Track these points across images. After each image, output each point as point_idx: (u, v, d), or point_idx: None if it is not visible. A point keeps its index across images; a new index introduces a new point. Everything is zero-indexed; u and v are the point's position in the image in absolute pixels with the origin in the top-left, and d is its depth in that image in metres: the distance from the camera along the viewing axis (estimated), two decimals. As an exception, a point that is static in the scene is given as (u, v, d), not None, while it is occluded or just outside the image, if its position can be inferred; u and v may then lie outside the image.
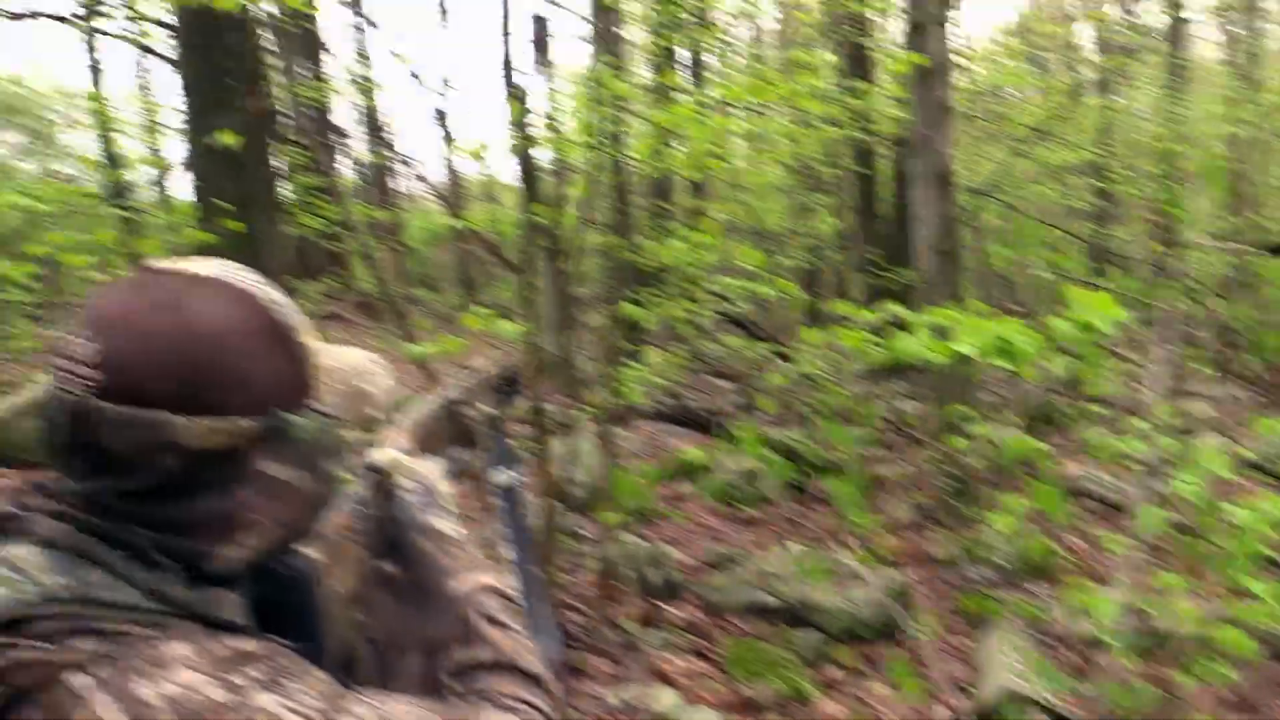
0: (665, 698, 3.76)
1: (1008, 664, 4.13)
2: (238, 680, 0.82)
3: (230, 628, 0.89)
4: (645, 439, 8.41)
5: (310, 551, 1.06)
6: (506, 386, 1.65)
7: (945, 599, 5.24)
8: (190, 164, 6.74)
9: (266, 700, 0.82)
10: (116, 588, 0.85)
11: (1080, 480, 6.84)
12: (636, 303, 5.56)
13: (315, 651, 0.96)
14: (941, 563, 5.67)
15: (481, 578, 1.11)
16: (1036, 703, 3.88)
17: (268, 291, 0.97)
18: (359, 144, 15.33)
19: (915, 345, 2.55)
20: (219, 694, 0.81)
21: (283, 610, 1.00)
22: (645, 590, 4.93)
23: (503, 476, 1.57)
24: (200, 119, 6.17)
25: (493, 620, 1.06)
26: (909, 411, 8.69)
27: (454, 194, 14.86)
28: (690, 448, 7.97)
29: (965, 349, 2.36)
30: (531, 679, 1.02)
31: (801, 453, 7.00)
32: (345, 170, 13.48)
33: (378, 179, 14.68)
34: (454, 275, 15.89)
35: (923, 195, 6.65)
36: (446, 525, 1.17)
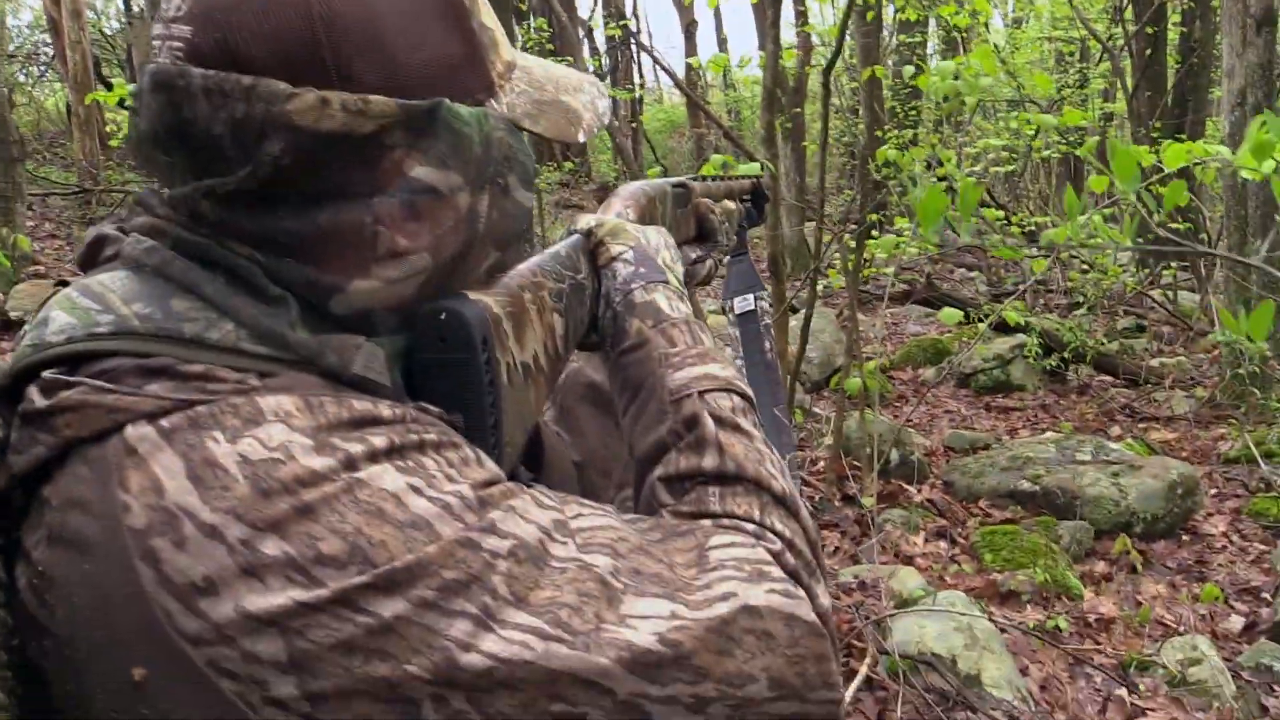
0: (908, 578, 3.42)
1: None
2: (349, 446, 0.57)
3: (363, 385, 0.63)
4: (889, 322, 7.95)
5: (487, 301, 0.74)
6: (753, 198, 1.36)
7: (1233, 499, 4.60)
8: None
9: (387, 475, 0.56)
10: (212, 322, 0.61)
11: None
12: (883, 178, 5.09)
13: (481, 434, 0.69)
14: (1229, 460, 4.99)
15: (714, 369, 0.79)
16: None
17: None
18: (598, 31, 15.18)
19: (1225, 152, 1.98)
20: (316, 461, 0.55)
21: (441, 377, 0.71)
22: (886, 470, 4.58)
23: (743, 301, 1.33)
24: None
25: (723, 421, 0.75)
26: (1186, 303, 7.78)
27: (691, 81, 14.52)
28: (934, 332, 7.47)
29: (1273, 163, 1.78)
30: (775, 497, 0.71)
31: (1063, 339, 6.35)
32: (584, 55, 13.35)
33: (615, 64, 14.48)
34: (689, 164, 15.65)
35: (1234, 41, 5.73)
36: (669, 303, 0.86)
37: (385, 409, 0.61)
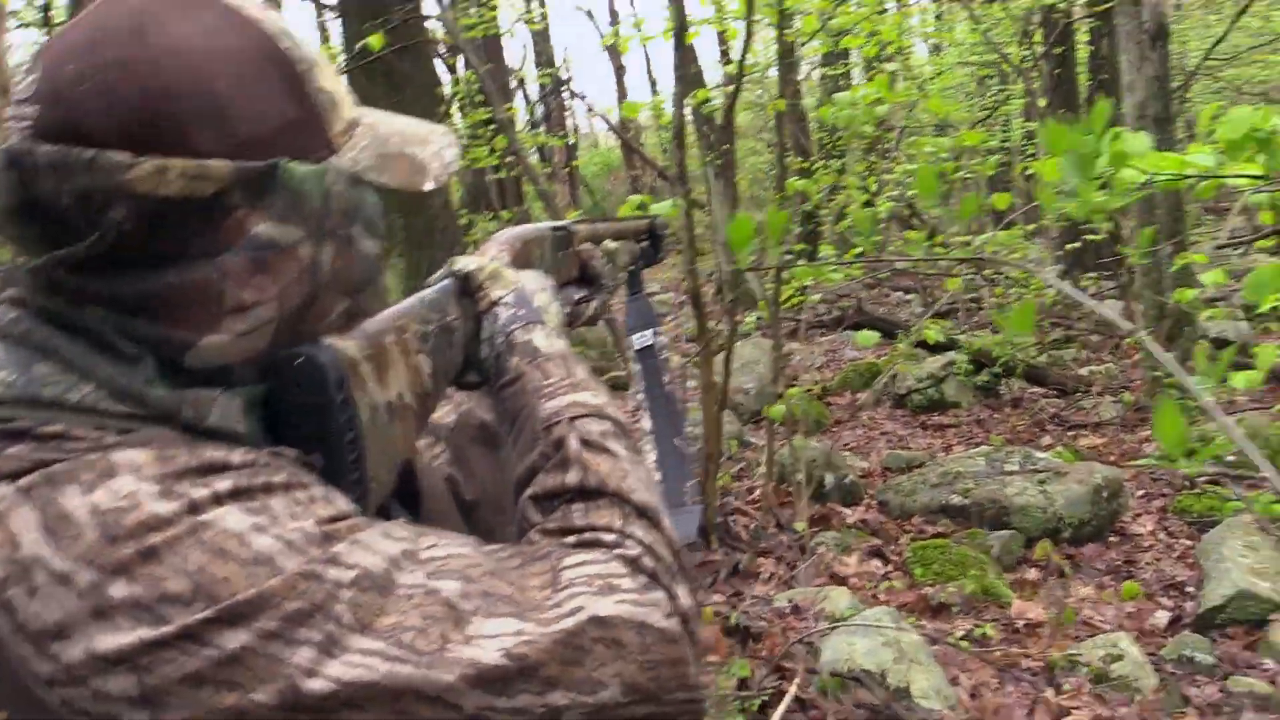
0: (839, 598, 3.46)
1: (1237, 564, 3.61)
2: (193, 492, 0.60)
3: (219, 435, 0.66)
4: (821, 348, 8.05)
5: (342, 346, 0.78)
6: (650, 238, 1.40)
7: (1159, 498, 4.70)
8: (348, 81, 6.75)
9: (231, 517, 0.60)
10: (72, 384, 0.64)
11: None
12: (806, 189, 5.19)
13: (341, 472, 0.72)
14: (1154, 460, 5.10)
15: (584, 397, 0.84)
16: (1274, 603, 3.38)
17: (279, 20, 0.73)
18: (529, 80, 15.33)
19: (1137, 156, 2.04)
20: (162, 506, 0.59)
21: (300, 419, 0.74)
22: (819, 494, 4.63)
23: (641, 338, 1.37)
24: (355, 40, 6.14)
25: (590, 443, 0.79)
26: (1111, 313, 7.97)
27: (624, 123, 14.68)
28: (871, 357, 7.57)
29: (1204, 157, 1.85)
30: (637, 509, 0.75)
31: (992, 354, 6.47)
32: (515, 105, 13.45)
33: (548, 111, 14.62)
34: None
35: (1132, 57, 5.93)
36: (546, 340, 0.90)
37: (237, 456, 0.64)
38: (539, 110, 14.23)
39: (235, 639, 0.57)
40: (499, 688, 0.61)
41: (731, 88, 8.23)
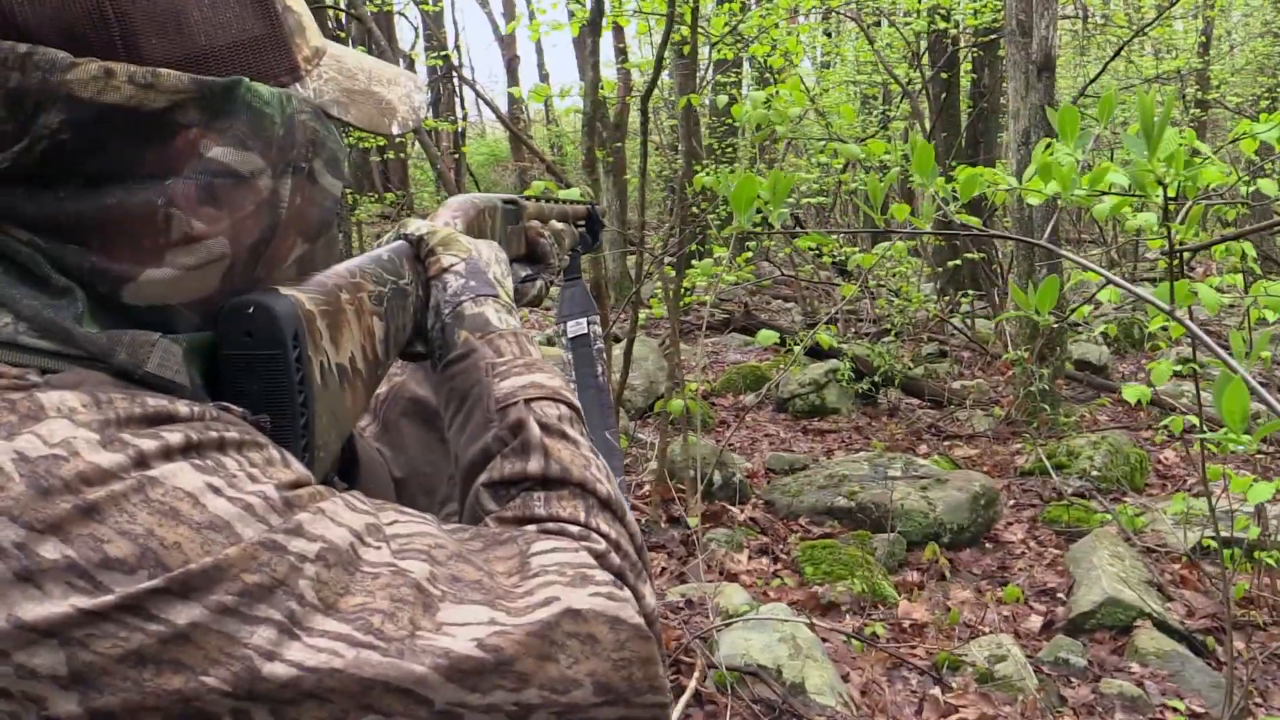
0: (734, 594, 3.48)
1: (1105, 572, 3.79)
2: (141, 442, 0.52)
3: (157, 385, 0.58)
4: (709, 350, 8.12)
5: (299, 297, 0.70)
6: (587, 224, 1.36)
7: (1029, 509, 4.90)
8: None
9: (183, 474, 0.52)
10: None
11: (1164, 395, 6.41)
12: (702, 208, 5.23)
13: (290, 436, 0.65)
14: (1025, 473, 5.33)
15: (540, 379, 0.78)
16: (1139, 609, 3.55)
17: None
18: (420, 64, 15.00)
19: (1004, 180, 2.13)
20: (103, 457, 0.50)
21: (247, 375, 0.66)
22: (709, 492, 4.66)
23: (576, 325, 1.33)
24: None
25: (549, 428, 0.74)
26: (983, 329, 8.30)
27: (514, 115, 14.54)
28: (753, 360, 7.68)
29: (1057, 185, 1.93)
30: (601, 501, 0.70)
31: (873, 363, 6.65)
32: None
33: (437, 95, 14.34)
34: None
35: (1018, 85, 6.18)
36: (498, 315, 0.84)
37: (182, 407, 0.56)
38: (427, 94, 13.96)
39: (186, 613, 0.49)
40: (473, 682, 0.55)
41: (623, 86, 8.23)
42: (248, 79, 0.63)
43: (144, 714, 0.49)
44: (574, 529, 0.67)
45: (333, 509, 0.57)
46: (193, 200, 0.60)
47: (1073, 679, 3.26)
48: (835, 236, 7.66)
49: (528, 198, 1.22)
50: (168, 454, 0.52)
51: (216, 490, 0.53)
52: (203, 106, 0.60)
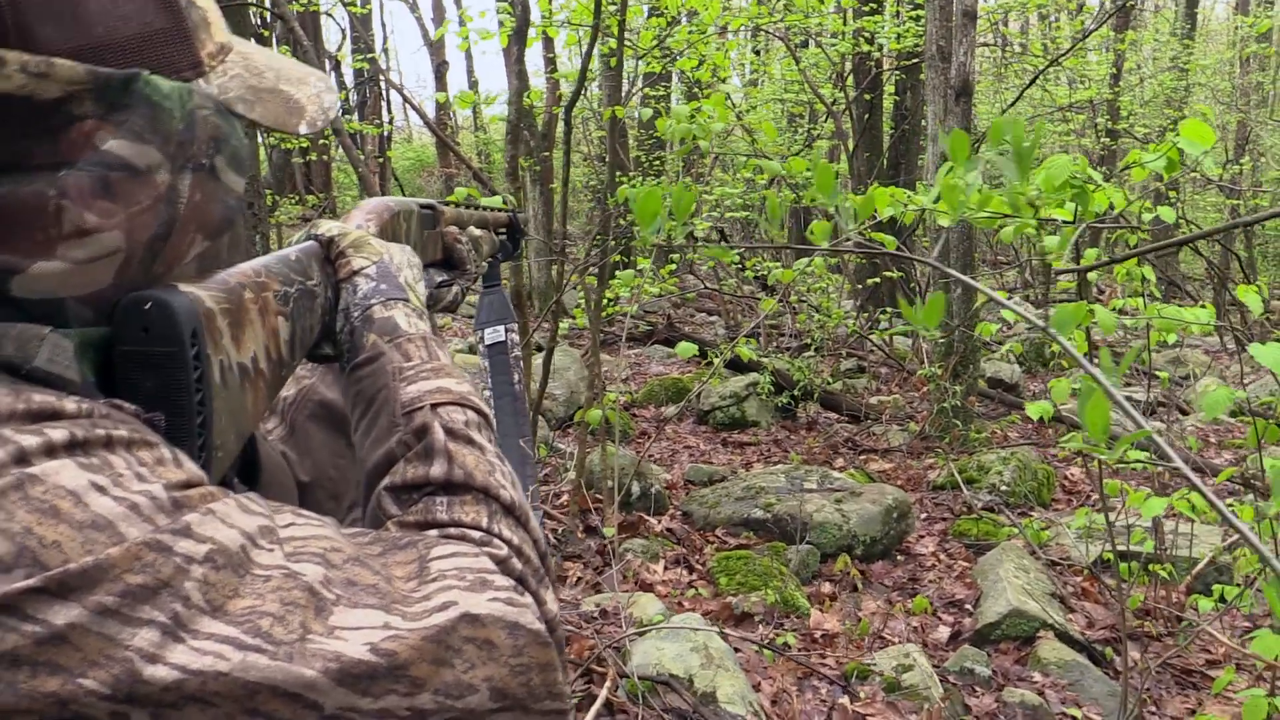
0: (649, 604, 3.49)
1: (1011, 584, 3.89)
2: (22, 439, 0.51)
3: (46, 380, 0.57)
4: (630, 362, 8.14)
5: (198, 294, 0.68)
6: (508, 232, 1.36)
7: (940, 522, 5.00)
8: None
9: (66, 471, 0.51)
10: None
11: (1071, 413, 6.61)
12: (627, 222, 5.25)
13: (186, 435, 0.64)
14: (937, 487, 5.44)
15: (448, 384, 0.78)
16: (1042, 621, 3.65)
17: None
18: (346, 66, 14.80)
19: (925, 200, 2.18)
20: None
21: (143, 371, 0.65)
22: (627, 502, 4.67)
23: (494, 332, 1.33)
24: None
25: (454, 433, 0.74)
26: (901, 346, 8.46)
27: (441, 120, 14.41)
28: (675, 372, 7.72)
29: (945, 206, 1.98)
30: (504, 506, 0.70)
31: (793, 378, 6.73)
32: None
33: (363, 99, 14.17)
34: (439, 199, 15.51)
35: (938, 109, 6.33)
36: (408, 320, 0.84)
37: (70, 403, 0.55)
38: (353, 97, 13.79)
39: (64, 614, 0.48)
40: (364, 686, 0.55)
41: (550, 95, 8.24)
42: (148, 72, 0.62)
43: (18, 717, 0.48)
44: (475, 534, 0.67)
45: (224, 510, 0.56)
46: (86, 193, 0.59)
47: (977, 688, 3.33)
48: (759, 252, 7.76)
49: (447, 203, 1.22)
50: (50, 451, 0.51)
51: (101, 489, 0.52)
52: (99, 98, 0.59)
